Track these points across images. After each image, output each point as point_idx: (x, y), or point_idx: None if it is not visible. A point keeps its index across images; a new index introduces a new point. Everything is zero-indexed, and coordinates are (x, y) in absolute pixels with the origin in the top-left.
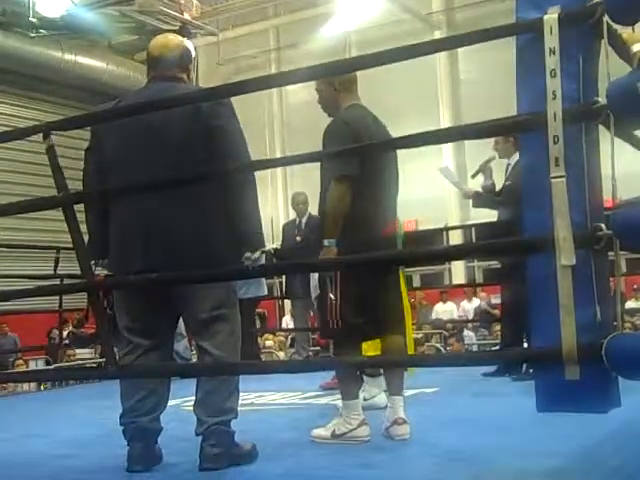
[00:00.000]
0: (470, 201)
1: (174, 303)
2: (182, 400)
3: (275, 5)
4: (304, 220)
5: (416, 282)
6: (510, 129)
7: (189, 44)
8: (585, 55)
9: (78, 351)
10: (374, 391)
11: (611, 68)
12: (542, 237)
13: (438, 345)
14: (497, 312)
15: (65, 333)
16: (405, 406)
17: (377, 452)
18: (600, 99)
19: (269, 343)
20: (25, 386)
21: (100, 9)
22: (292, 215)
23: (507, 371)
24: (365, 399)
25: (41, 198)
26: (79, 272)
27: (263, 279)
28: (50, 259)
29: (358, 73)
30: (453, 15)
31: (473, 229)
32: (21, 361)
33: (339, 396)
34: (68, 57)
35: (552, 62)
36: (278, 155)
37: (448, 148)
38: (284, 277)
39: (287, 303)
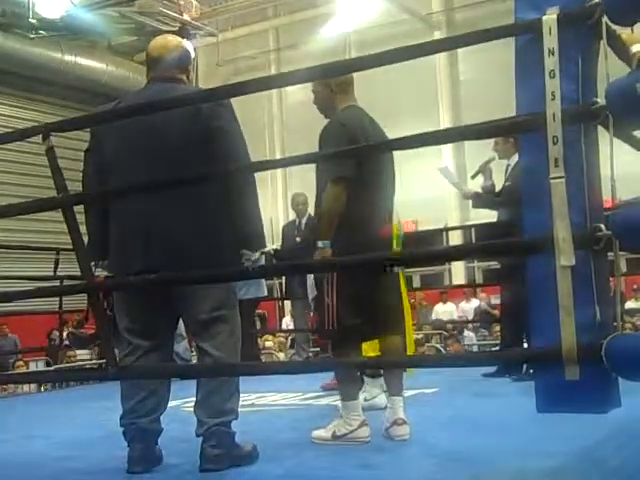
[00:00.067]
0: (470, 202)
1: (174, 304)
2: (182, 401)
3: (275, 6)
4: (304, 221)
5: (416, 283)
6: (509, 130)
7: (188, 45)
8: (584, 56)
9: (78, 352)
10: (375, 392)
11: (610, 69)
12: (542, 238)
13: (438, 346)
14: (497, 312)
15: (65, 334)
16: (405, 406)
17: (377, 453)
18: (599, 100)
19: (269, 344)
20: (25, 387)
21: (100, 10)
22: (292, 216)
23: (507, 371)
24: (366, 400)
25: (41, 199)
26: (79, 273)
27: (263, 280)
28: (50, 260)
29: (358, 74)
30: (453, 15)
31: (473, 230)
32: (21, 362)
33: (339, 397)
34: (68, 58)
35: (551, 63)
36: (278, 156)
37: (448, 149)
38: (284, 278)
39: (287, 304)
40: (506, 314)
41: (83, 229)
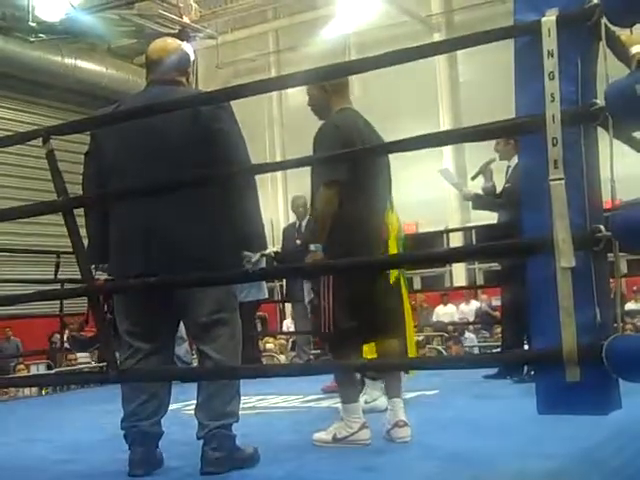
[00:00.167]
0: (470, 203)
1: (174, 307)
2: (183, 404)
3: (274, 8)
4: (304, 223)
5: (417, 284)
6: (509, 131)
7: (188, 47)
8: (583, 57)
9: (79, 355)
10: (375, 394)
11: (609, 70)
12: (541, 239)
13: (439, 347)
14: (498, 314)
15: (65, 337)
16: (406, 408)
17: (378, 455)
18: (598, 101)
19: (270, 346)
20: (26, 390)
21: (99, 13)
22: (292, 218)
23: (508, 373)
24: (367, 402)
25: (41, 203)
26: (79, 276)
27: (264, 282)
28: (51, 264)
29: (357, 76)
30: (452, 17)
31: (473, 231)
32: (22, 366)
33: (340, 399)
34: (68, 61)
35: (550, 64)
36: (278, 158)
37: (448, 150)
38: (284, 280)
39: (288, 306)
40: (507, 316)
41: (83, 232)
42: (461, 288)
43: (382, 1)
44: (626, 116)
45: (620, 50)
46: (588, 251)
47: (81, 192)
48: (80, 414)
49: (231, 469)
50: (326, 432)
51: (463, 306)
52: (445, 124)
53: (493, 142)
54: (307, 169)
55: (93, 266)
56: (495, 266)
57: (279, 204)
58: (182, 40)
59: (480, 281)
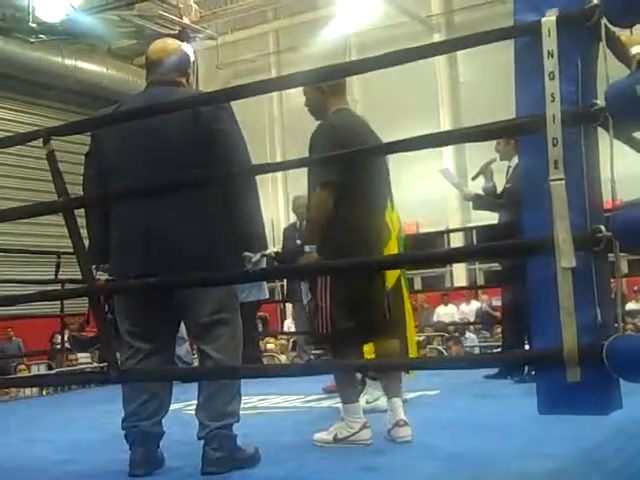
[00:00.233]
0: (470, 203)
1: (175, 307)
2: (184, 404)
3: (275, 9)
4: (305, 224)
5: (417, 285)
6: (509, 132)
7: (188, 48)
8: (583, 57)
9: (80, 355)
10: (377, 394)
11: (610, 70)
12: (542, 239)
13: (440, 348)
14: (498, 314)
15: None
16: (406, 408)
17: (379, 455)
18: (599, 101)
19: (270, 346)
20: (27, 391)
21: (100, 14)
22: (293, 218)
23: (509, 373)
24: (368, 402)
25: (42, 203)
26: (80, 277)
27: (264, 282)
28: (51, 264)
29: (358, 76)
30: (452, 18)
31: (474, 231)
32: (23, 366)
33: (340, 400)
34: (68, 62)
35: (550, 65)
36: (278, 158)
37: (448, 150)
38: (285, 280)
39: (289, 306)
40: (507, 316)
41: (84, 232)
42: (462, 288)
43: (382, 2)
44: (626, 116)
45: (620, 50)
46: (588, 251)
47: (81, 193)
48: (81, 414)
49: (232, 469)
50: (327, 432)
51: (464, 306)
52: (445, 124)
53: (494, 142)
54: (307, 169)
55: (94, 266)
56: (495, 266)
57: (279, 204)
58: (182, 41)
59: (481, 281)
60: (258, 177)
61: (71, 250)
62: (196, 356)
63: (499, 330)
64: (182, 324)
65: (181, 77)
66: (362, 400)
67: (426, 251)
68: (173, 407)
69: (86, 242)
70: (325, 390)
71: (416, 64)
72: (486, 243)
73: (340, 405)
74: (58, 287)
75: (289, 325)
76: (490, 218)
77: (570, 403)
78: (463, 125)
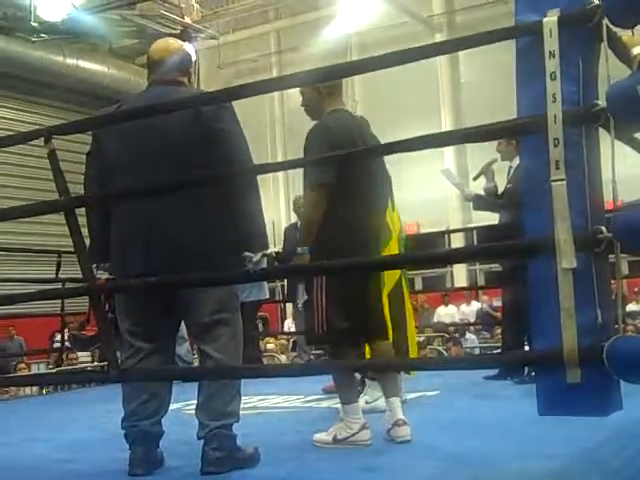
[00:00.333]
0: (471, 204)
1: (176, 307)
2: (184, 404)
3: (276, 8)
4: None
5: (418, 285)
6: (510, 132)
7: (189, 48)
8: (585, 58)
9: (80, 354)
10: (376, 394)
11: (611, 71)
12: (543, 240)
13: (440, 348)
14: (499, 315)
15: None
16: (406, 409)
17: (378, 455)
18: (600, 102)
19: (271, 346)
20: (27, 390)
21: (101, 13)
22: (293, 218)
23: (509, 374)
24: (367, 402)
25: (43, 202)
26: (81, 276)
27: (265, 282)
28: (52, 263)
29: (359, 77)
30: (453, 18)
31: (475, 232)
32: (23, 365)
33: (339, 400)
34: (69, 61)
35: (552, 65)
36: (280, 158)
37: (450, 151)
38: (285, 280)
39: (289, 306)
40: (507, 316)
41: (85, 231)
42: (462, 289)
43: (384, 1)
44: (627, 117)
45: (621, 51)
46: (589, 252)
47: (83, 192)
48: (81, 413)
49: (232, 469)
50: (326, 433)
51: (464, 307)
52: (447, 124)
53: (495, 143)
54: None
55: (94, 265)
56: (496, 267)
57: (280, 204)
58: (184, 40)
59: (481, 282)
60: (259, 177)
61: (72, 249)
62: (196, 356)
63: (499, 331)
64: (182, 323)
65: (183, 77)
66: (361, 401)
67: (427, 251)
68: (173, 407)
69: (87, 241)
70: (324, 390)
71: (417, 64)
72: (487, 244)
73: (339, 406)
74: (59, 286)
75: (289, 325)
76: (491, 219)
77: (570, 404)
78: (464, 125)
